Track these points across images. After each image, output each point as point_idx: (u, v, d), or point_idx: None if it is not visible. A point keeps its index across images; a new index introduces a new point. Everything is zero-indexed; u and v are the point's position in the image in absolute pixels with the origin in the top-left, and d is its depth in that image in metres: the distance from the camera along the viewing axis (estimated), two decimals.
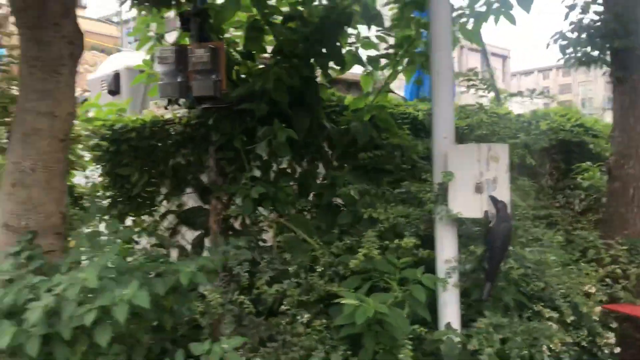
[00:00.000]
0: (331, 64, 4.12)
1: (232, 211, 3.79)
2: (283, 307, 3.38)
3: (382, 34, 4.10)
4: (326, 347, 3.11)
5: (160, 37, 4.17)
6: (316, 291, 3.33)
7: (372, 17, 3.78)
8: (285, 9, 4.23)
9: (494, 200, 3.06)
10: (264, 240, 4.06)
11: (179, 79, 3.94)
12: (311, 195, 4.23)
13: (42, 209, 2.69)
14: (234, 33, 4.42)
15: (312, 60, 4.06)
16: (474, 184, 3.09)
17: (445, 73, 3.30)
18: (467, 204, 3.11)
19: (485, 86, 4.89)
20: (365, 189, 3.76)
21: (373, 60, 4.27)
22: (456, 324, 3.24)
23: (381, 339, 3.04)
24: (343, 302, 2.84)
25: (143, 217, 4.06)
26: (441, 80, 3.30)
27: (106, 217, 3.50)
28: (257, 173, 4.10)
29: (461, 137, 5.34)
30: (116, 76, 6.69)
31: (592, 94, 59.97)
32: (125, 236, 2.81)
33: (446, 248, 3.27)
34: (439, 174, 3.27)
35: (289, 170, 4.29)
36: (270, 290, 3.13)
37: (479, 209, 3.09)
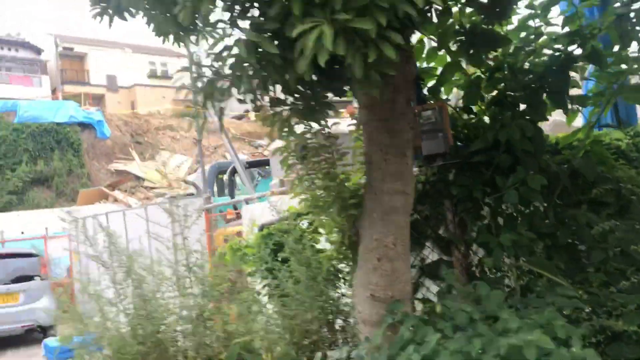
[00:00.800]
0: None
1: (486, 261, 3.93)
2: None
3: (599, 73, 4.22)
4: None
5: None
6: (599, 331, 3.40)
7: (600, 59, 3.92)
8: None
9: None
10: (508, 286, 4.18)
11: None
12: None
13: (402, 278, 2.97)
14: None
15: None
16: None
17: None
18: None
19: None
20: (615, 224, 3.82)
21: (584, 98, 4.38)
22: None
23: None
24: None
25: None
26: None
27: None
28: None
29: None
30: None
31: None
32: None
33: None
34: None
35: (515, 214, 4.40)
36: None
37: None
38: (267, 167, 13.22)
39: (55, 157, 29.82)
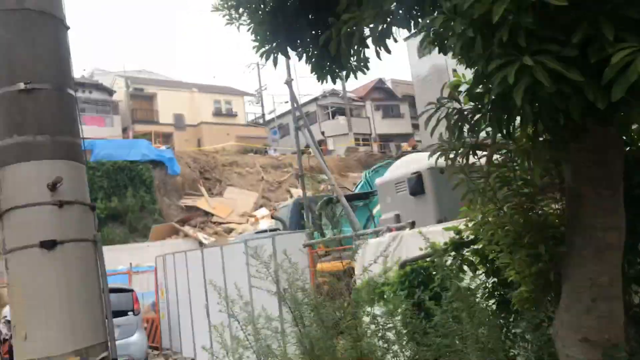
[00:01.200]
0: None
1: None
2: None
3: None
4: None
5: None
6: None
7: None
8: None
9: None
10: None
11: None
12: None
13: (619, 320, 2.81)
14: None
15: None
16: None
17: None
18: None
19: None
20: None
21: None
22: None
23: None
24: None
25: None
26: None
27: None
28: None
29: None
30: (419, 177, 7.07)
31: None
32: None
33: None
34: None
35: None
36: None
37: None
38: (354, 201, 13.17)
39: (129, 194, 30.83)
